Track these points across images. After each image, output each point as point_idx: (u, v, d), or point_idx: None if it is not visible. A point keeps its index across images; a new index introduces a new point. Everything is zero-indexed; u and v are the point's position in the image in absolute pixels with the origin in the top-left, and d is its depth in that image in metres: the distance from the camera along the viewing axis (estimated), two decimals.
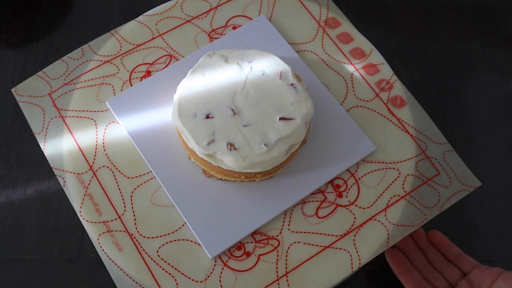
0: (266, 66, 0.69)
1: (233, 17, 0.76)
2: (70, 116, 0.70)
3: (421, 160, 0.68)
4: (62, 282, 0.70)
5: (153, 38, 0.74)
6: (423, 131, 0.69)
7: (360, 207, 0.66)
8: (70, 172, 0.67)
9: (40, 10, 0.85)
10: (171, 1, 0.77)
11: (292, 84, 0.67)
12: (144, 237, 0.64)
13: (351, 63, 0.73)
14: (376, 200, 0.67)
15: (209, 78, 0.67)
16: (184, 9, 0.77)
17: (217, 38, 0.75)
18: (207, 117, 0.64)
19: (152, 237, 0.64)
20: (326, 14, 0.77)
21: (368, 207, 0.66)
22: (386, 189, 0.67)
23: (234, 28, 0.77)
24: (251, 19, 0.77)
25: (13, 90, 0.70)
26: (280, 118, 0.65)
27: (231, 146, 0.64)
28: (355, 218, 0.66)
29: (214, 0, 0.76)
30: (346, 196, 0.67)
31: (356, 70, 0.73)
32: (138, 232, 0.65)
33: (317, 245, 0.64)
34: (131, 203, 0.66)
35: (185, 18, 0.76)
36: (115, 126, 0.69)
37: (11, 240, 0.72)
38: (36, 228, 0.73)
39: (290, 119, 0.65)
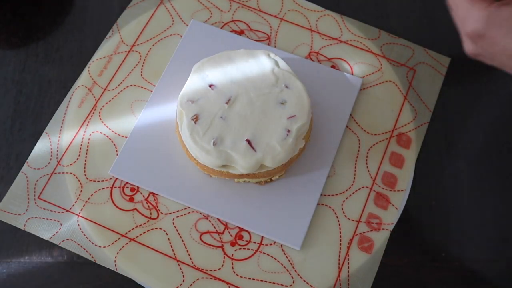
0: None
1: (340, 59, 0.81)
2: (165, 6, 0.83)
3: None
4: (62, 282, 0.70)
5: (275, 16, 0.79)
6: (352, 284, 0.69)
7: (232, 267, 0.69)
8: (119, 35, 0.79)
9: (40, 10, 0.85)
10: (317, 6, 0.80)
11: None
12: (99, 116, 0.76)
13: (373, 181, 0.74)
14: (249, 278, 0.68)
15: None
16: (319, 21, 0.82)
17: None
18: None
19: (102, 121, 0.75)
20: (410, 129, 0.77)
21: (237, 275, 0.69)
22: (266, 282, 0.69)
23: (333, 67, 0.79)
24: (352, 73, 0.80)
25: None
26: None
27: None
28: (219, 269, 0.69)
29: None
30: (236, 250, 0.70)
31: (370, 188, 0.73)
32: (100, 109, 0.77)
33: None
34: (121, 90, 0.78)
35: (312, 28, 0.82)
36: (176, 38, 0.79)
37: (11, 240, 0.72)
38: None
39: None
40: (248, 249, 0.69)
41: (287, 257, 0.69)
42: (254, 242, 0.70)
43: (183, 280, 0.68)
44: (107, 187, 0.72)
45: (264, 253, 0.69)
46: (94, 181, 0.73)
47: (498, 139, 0.78)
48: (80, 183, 0.72)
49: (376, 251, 0.69)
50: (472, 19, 0.53)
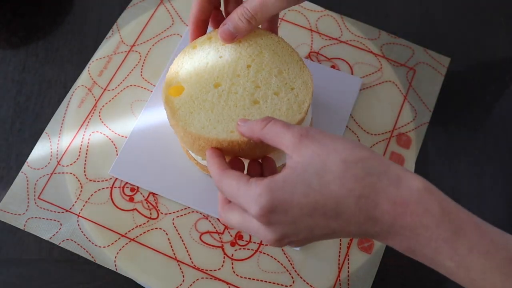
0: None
1: (340, 59, 0.81)
2: (165, 6, 0.83)
3: None
4: (62, 282, 0.70)
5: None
6: (352, 284, 0.69)
7: (232, 267, 0.69)
8: (119, 35, 0.81)
9: (40, 10, 0.85)
10: (318, 6, 0.81)
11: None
12: (99, 116, 0.77)
13: None
14: (249, 279, 0.68)
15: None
16: (319, 21, 0.83)
17: None
18: None
19: (102, 121, 0.76)
20: (410, 129, 0.77)
21: (237, 275, 0.68)
22: (266, 282, 0.68)
23: (333, 67, 0.80)
24: (353, 73, 0.80)
25: None
26: None
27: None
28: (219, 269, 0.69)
29: None
30: (236, 250, 0.70)
31: None
32: (100, 109, 0.77)
33: None
34: (121, 90, 0.78)
35: (312, 28, 0.82)
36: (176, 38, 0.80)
37: (11, 240, 0.72)
38: None
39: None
40: (248, 249, 0.69)
41: (287, 257, 0.69)
42: (254, 242, 0.70)
43: (183, 280, 0.68)
44: (107, 187, 0.72)
45: (264, 253, 0.69)
46: (94, 181, 0.73)
47: (498, 139, 0.78)
48: (80, 183, 0.72)
49: (376, 251, 0.69)
50: (254, 198, 0.50)
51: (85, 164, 0.73)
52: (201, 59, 0.65)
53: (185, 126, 0.61)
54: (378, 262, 0.69)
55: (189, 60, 0.65)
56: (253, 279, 0.68)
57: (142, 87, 0.78)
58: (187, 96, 0.63)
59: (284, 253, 0.69)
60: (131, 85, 0.78)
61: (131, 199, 0.71)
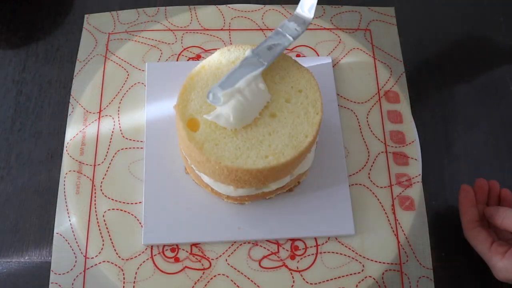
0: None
1: (302, 46, 0.80)
2: (112, 60, 0.79)
3: (392, 271, 0.69)
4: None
5: (221, 29, 0.79)
6: (413, 243, 0.70)
7: (304, 279, 0.68)
8: (81, 106, 0.76)
9: (40, 10, 0.84)
10: (256, 5, 0.82)
11: None
12: (103, 193, 0.71)
13: (385, 144, 0.75)
14: (324, 282, 0.68)
15: None
16: (264, 18, 0.82)
17: None
18: None
19: (108, 197, 0.71)
20: (392, 84, 0.79)
21: (311, 284, 0.68)
22: (339, 277, 0.68)
23: (298, 56, 0.80)
24: (318, 55, 0.80)
25: (85, 16, 0.81)
26: None
27: None
28: (292, 286, 0.68)
29: None
30: (298, 261, 0.69)
31: (385, 152, 0.75)
32: (100, 186, 0.72)
33: None
34: (111, 159, 0.73)
35: (261, 27, 0.81)
36: (140, 87, 0.78)
37: (11, 240, 0.70)
38: (36, 229, 0.71)
39: None
40: (309, 255, 0.68)
41: (346, 246, 0.68)
42: (311, 247, 0.69)
43: None
44: (148, 259, 0.68)
45: (325, 252, 0.68)
46: (131, 258, 0.68)
47: (498, 139, 0.79)
48: (119, 267, 0.68)
49: (418, 205, 0.71)
50: (497, 267, 0.65)
51: (113, 246, 0.69)
52: (203, 87, 0.64)
53: (219, 160, 0.59)
54: (425, 215, 0.70)
55: (192, 91, 0.64)
56: (326, 280, 0.67)
57: (130, 147, 0.74)
58: (207, 127, 0.61)
59: (342, 244, 0.68)
60: (118, 150, 0.74)
61: (177, 259, 0.68)
